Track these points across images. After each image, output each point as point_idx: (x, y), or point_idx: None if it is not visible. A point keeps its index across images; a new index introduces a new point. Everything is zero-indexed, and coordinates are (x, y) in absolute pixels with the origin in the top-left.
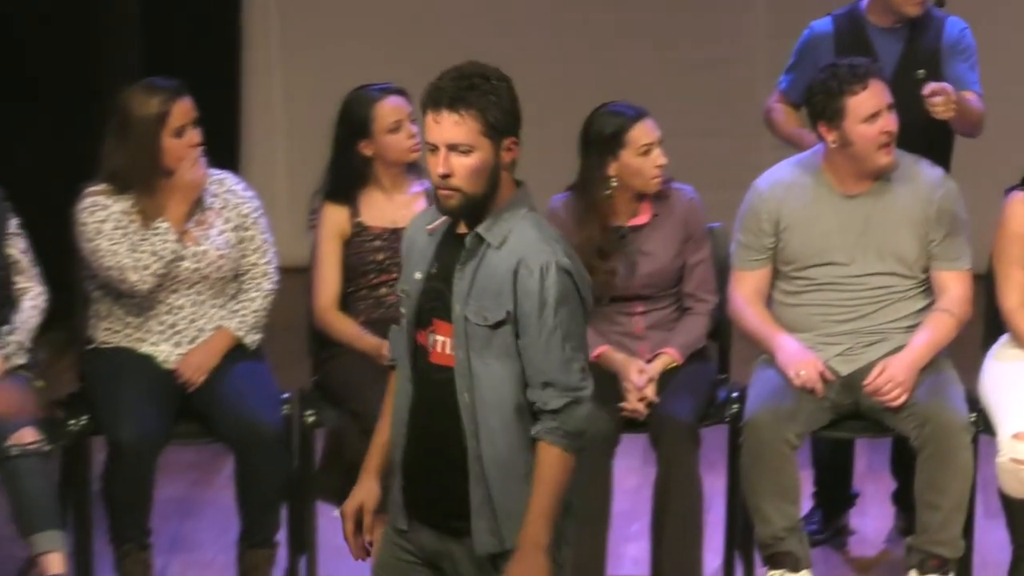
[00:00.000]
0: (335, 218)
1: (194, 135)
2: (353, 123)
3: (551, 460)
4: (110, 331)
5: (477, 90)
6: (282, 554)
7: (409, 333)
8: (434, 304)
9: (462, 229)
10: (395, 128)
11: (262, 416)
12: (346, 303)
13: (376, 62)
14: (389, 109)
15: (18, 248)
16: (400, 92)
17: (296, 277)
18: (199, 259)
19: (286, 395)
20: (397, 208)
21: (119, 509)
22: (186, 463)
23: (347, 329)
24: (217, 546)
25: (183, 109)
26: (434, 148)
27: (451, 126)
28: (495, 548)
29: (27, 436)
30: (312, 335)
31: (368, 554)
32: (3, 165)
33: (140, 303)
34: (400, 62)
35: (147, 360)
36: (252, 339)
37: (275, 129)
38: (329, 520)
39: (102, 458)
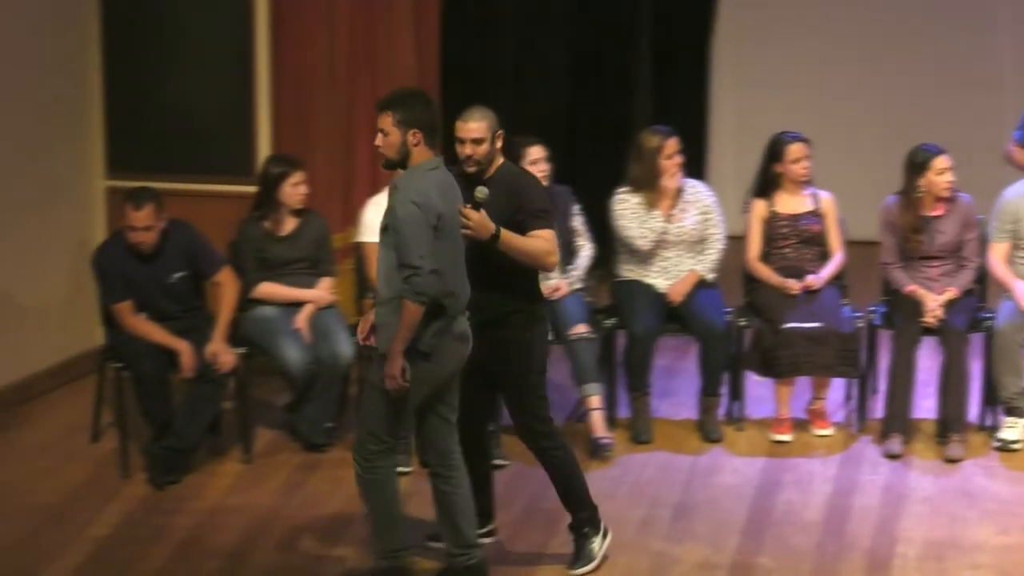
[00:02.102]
0: (759, 207)
1: (677, 158)
2: (773, 153)
3: (406, 307)
4: (629, 270)
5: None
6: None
7: None
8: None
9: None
10: (795, 161)
11: (715, 320)
12: (764, 257)
13: (799, 108)
14: (794, 148)
15: (578, 222)
16: (803, 139)
17: (736, 241)
18: (679, 232)
19: (729, 309)
20: (794, 202)
21: (633, 372)
22: (670, 346)
23: (763, 270)
24: (686, 395)
25: (672, 144)
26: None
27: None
28: (383, 349)
29: (581, 328)
30: (744, 275)
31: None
32: (581, 178)
33: (645, 255)
34: (811, 110)
35: (649, 287)
36: (710, 276)
37: (727, 152)
38: (753, 381)
39: (623, 343)
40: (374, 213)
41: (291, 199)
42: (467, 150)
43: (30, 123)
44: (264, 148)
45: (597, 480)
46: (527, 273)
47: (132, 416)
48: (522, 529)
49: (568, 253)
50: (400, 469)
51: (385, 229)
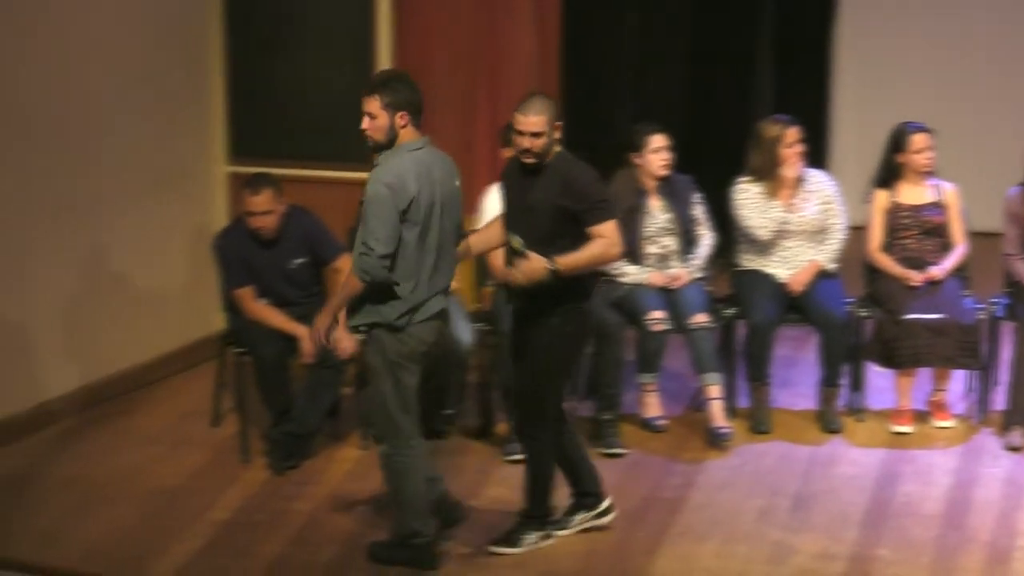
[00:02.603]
0: (881, 198)
1: (797, 147)
2: (896, 144)
3: (350, 279)
4: (749, 260)
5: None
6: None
7: None
8: None
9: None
10: (918, 151)
11: (835, 311)
12: (885, 247)
13: (922, 98)
14: (917, 139)
15: (699, 211)
16: (926, 130)
17: (857, 231)
18: (800, 221)
19: (849, 299)
20: (917, 193)
21: (752, 361)
22: (790, 336)
23: (884, 261)
24: (806, 385)
25: (792, 133)
26: None
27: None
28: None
29: (701, 318)
30: (865, 265)
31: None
32: (702, 167)
33: (765, 245)
34: (935, 100)
35: (769, 277)
36: (831, 266)
37: (848, 142)
38: (873, 372)
39: (743, 332)
40: (494, 201)
41: None
42: (526, 143)
43: (155, 108)
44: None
45: (715, 470)
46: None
47: (252, 402)
48: (641, 517)
49: (688, 242)
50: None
51: (361, 204)
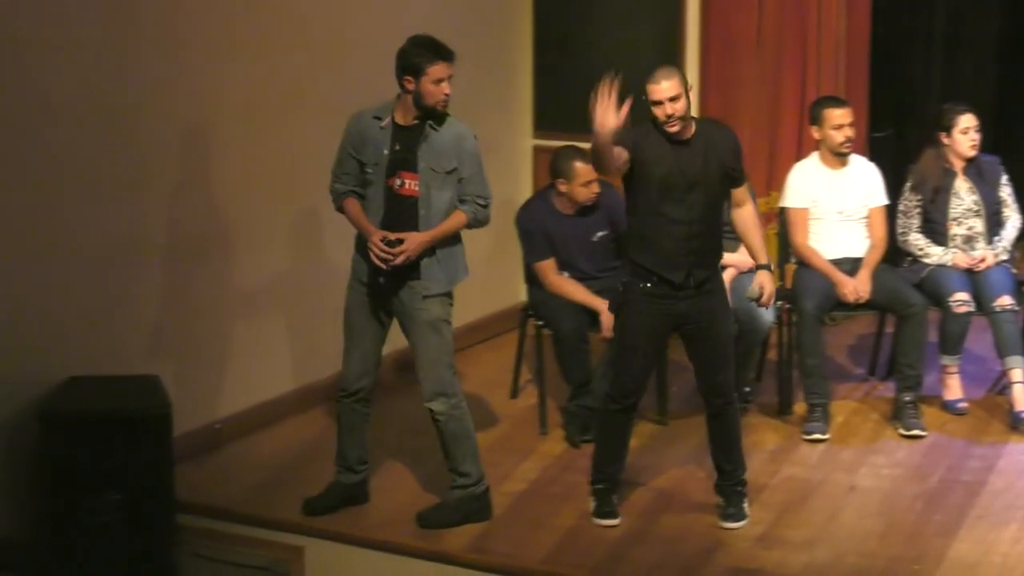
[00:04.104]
0: None
1: None
2: None
3: (457, 217)
4: None
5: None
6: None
7: (382, 180)
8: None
9: (407, 123)
10: None
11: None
12: None
13: None
14: None
15: (1006, 192)
16: None
17: None
18: None
19: None
20: None
21: None
22: None
23: None
24: None
25: None
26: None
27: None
28: (430, 294)
29: (1005, 300)
30: None
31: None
32: (1010, 148)
33: None
34: None
35: None
36: None
37: None
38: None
39: None
40: (799, 178)
41: None
42: (667, 110)
43: (468, 82)
44: (691, 111)
45: (1017, 454)
46: (632, 248)
47: (551, 374)
48: (939, 499)
49: (995, 224)
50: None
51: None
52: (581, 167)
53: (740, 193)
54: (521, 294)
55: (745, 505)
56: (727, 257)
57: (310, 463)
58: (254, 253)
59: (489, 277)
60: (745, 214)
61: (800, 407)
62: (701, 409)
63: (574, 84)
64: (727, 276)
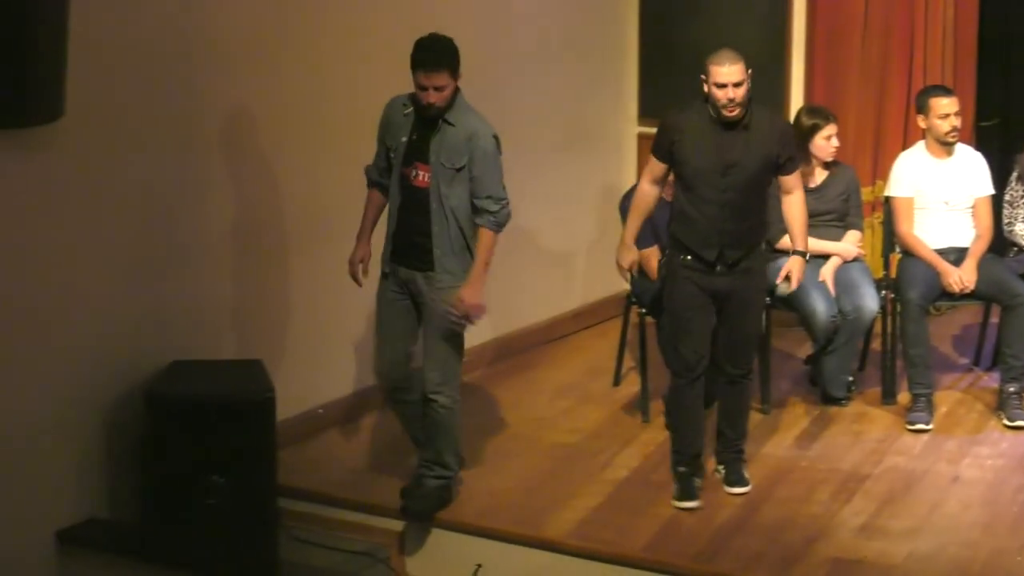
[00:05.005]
0: None
1: None
2: None
3: (485, 236)
4: None
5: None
6: None
7: (399, 167)
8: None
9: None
10: None
11: None
12: None
13: None
14: None
15: None
16: None
17: None
18: None
19: None
20: None
21: None
22: None
23: None
24: None
25: None
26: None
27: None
28: (444, 285)
29: None
30: None
31: (360, 283)
32: None
33: None
34: None
35: None
36: None
37: None
38: None
39: None
40: (904, 167)
41: (822, 152)
42: (730, 94)
43: (574, 67)
44: (796, 99)
45: None
46: (674, 222)
47: (653, 361)
48: None
49: None
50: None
51: (460, 169)
52: None
53: (789, 181)
54: (624, 282)
55: (745, 472)
56: (829, 246)
57: (411, 448)
58: (352, 242)
59: (592, 264)
60: (792, 200)
61: (904, 397)
62: (805, 399)
63: (679, 70)
64: (830, 265)
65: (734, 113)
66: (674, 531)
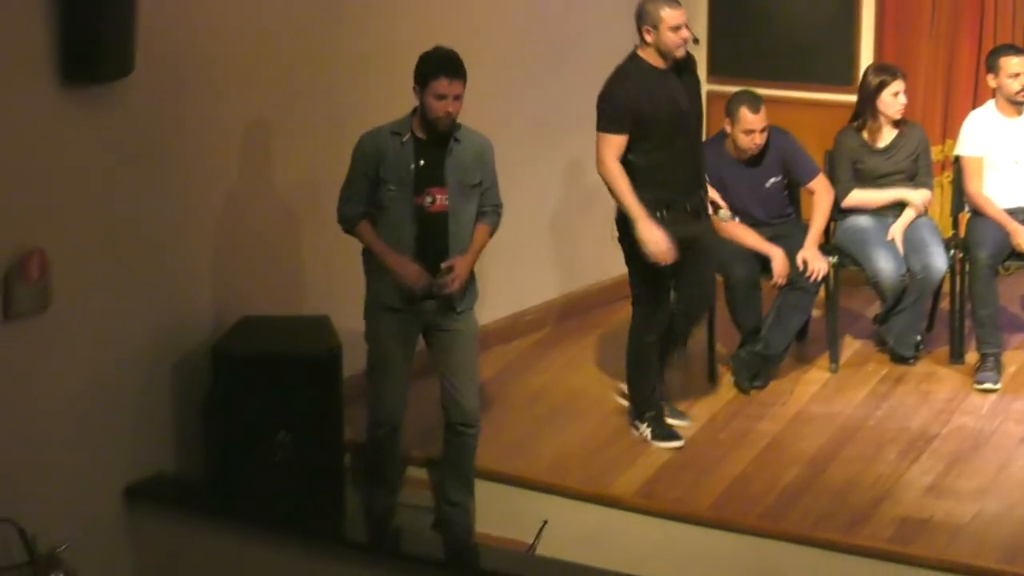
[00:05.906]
0: None
1: None
2: None
3: (483, 231)
4: None
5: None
6: None
7: (408, 198)
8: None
9: (427, 137)
10: None
11: None
12: None
13: None
14: None
15: None
16: None
17: None
18: None
19: None
20: None
21: None
22: None
23: None
24: None
25: None
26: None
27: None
28: (467, 307)
29: None
30: None
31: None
32: None
33: None
34: None
35: None
36: None
37: None
38: None
39: None
40: (974, 126)
41: (890, 109)
42: (684, 34)
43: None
44: (865, 57)
45: None
46: (641, 185)
47: (722, 321)
48: None
49: None
50: None
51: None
52: (746, 114)
53: None
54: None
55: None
56: (906, 194)
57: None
58: None
59: None
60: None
61: (972, 356)
62: (871, 359)
63: (749, 30)
64: (900, 224)
65: (681, 53)
66: (740, 490)
